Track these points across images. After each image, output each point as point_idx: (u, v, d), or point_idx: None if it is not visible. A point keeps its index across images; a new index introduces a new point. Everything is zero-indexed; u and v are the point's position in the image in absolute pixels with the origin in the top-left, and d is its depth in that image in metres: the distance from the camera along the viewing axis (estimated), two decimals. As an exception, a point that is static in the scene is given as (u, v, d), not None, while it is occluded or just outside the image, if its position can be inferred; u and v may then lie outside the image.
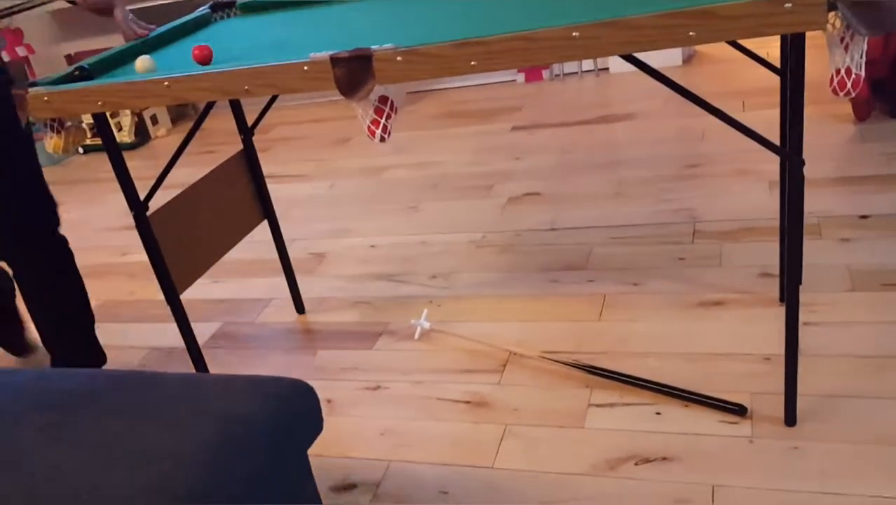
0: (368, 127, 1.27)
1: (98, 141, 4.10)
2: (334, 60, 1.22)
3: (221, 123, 4.08)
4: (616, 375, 1.71)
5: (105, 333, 2.38)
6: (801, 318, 1.78)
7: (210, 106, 1.66)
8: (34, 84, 1.42)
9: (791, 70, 1.20)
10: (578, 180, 2.69)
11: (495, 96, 3.73)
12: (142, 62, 1.42)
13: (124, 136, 4.05)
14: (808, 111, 2.79)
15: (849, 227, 2.07)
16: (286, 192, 3.15)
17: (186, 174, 2.01)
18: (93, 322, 1.97)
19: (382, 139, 1.29)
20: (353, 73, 1.22)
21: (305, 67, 1.24)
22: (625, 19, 1.07)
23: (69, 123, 1.44)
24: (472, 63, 1.16)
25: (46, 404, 1.09)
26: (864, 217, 2.10)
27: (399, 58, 1.19)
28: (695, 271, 2.05)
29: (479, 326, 2.02)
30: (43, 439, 1.01)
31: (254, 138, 3.86)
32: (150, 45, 1.72)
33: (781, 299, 1.86)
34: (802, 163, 1.26)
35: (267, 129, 3.97)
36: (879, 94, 2.63)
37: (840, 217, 2.13)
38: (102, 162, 4.02)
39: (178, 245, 1.74)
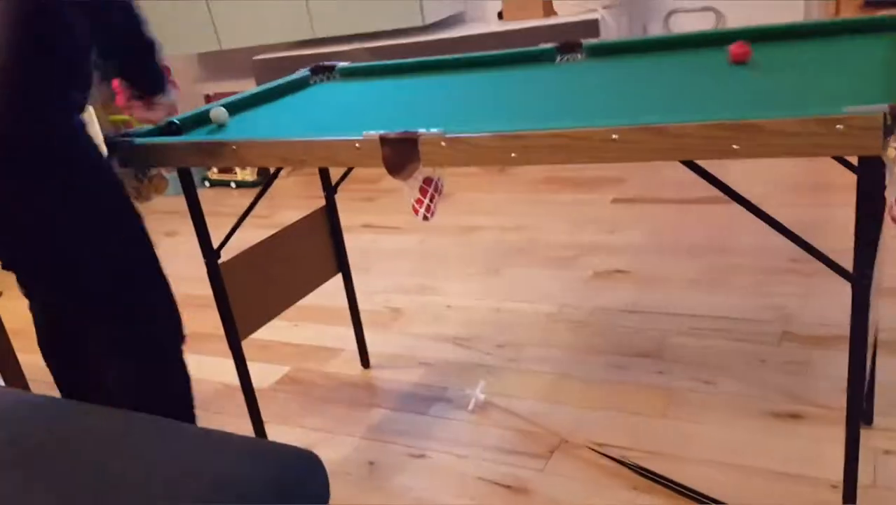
0: (413, 205, 1.29)
1: (222, 176, 4.38)
2: (383, 140, 1.25)
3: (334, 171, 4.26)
4: (666, 481, 1.61)
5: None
6: (882, 445, 1.62)
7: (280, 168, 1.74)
8: (126, 135, 1.54)
9: (861, 195, 1.10)
10: (670, 262, 2.59)
11: (600, 165, 3.67)
12: (215, 112, 1.58)
13: (247, 174, 4.31)
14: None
15: (958, 350, 1.87)
16: (379, 243, 3.23)
17: (295, 216, 2.12)
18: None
19: (426, 218, 1.30)
20: (399, 153, 1.24)
21: (357, 145, 1.28)
22: (667, 126, 1.03)
23: (151, 172, 1.55)
24: (513, 155, 1.16)
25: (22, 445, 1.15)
26: (978, 340, 1.89)
27: (443, 143, 1.21)
28: (776, 377, 1.91)
29: (535, 404, 1.97)
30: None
31: (361, 187, 3.99)
32: (244, 105, 1.83)
33: (867, 421, 1.70)
34: (868, 286, 1.15)
35: (376, 179, 4.10)
36: None
37: (950, 337, 1.92)
38: (225, 196, 4.28)
39: (246, 293, 1.82)
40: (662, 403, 1.89)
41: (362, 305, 2.69)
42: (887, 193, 0.98)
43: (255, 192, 4.27)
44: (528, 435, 1.85)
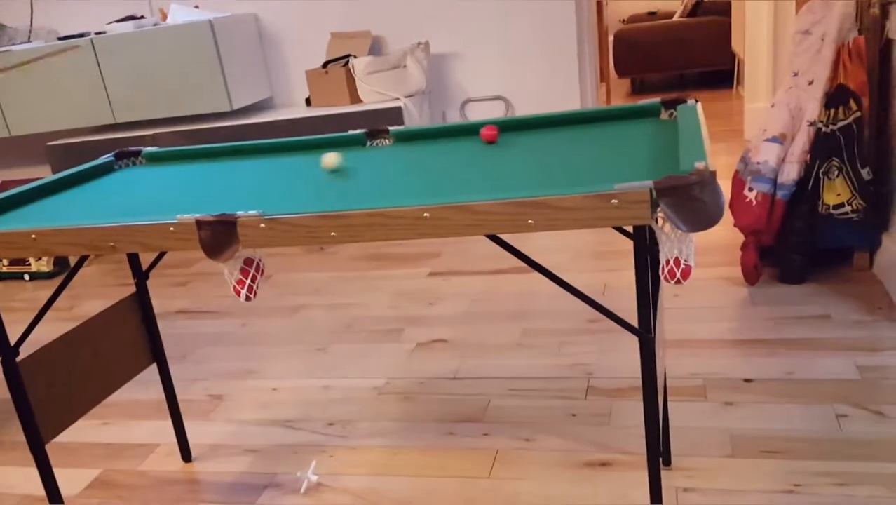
0: (234, 287, 1.30)
1: (14, 269, 4.03)
2: (199, 223, 1.25)
3: (144, 256, 4.07)
4: (495, 540, 1.68)
5: (-24, 476, 2.25)
6: (681, 483, 1.80)
7: (85, 257, 1.67)
8: None
9: (636, 254, 1.27)
10: (485, 329, 2.74)
11: (416, 242, 3.83)
12: (328, 158, 1.57)
13: (42, 265, 3.99)
14: (702, 273, 2.93)
15: (733, 391, 2.13)
16: (197, 328, 3.11)
17: (100, 306, 1.99)
18: None
19: (248, 298, 1.30)
20: (217, 236, 1.25)
21: (171, 228, 1.27)
22: (471, 204, 1.14)
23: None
24: (332, 234, 1.21)
25: None
26: (748, 381, 2.17)
27: (263, 224, 1.23)
28: (585, 429, 2.07)
29: (369, 480, 1.97)
30: None
31: (173, 272, 3.85)
32: (44, 192, 1.74)
33: (665, 462, 1.88)
34: (652, 339, 1.31)
35: (189, 263, 3.97)
36: (768, 260, 2.79)
37: (726, 379, 2.19)
38: (17, 290, 3.94)
39: (50, 392, 1.69)
40: (488, 464, 1.97)
41: (180, 394, 2.57)
42: (660, 256, 1.14)
43: (51, 283, 3.96)
44: (360, 512, 1.85)
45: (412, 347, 2.68)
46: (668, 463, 1.87)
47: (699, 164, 1.12)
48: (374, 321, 2.94)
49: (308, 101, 4.11)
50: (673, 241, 1.12)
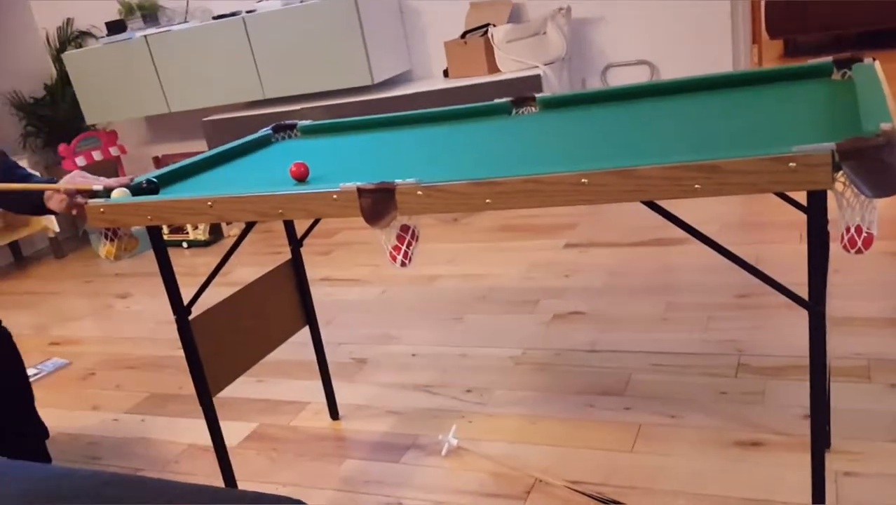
0: (390, 252, 1.33)
1: (174, 237, 4.34)
2: (360, 191, 1.29)
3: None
4: (640, 514, 1.65)
5: (149, 426, 2.46)
6: (842, 467, 1.69)
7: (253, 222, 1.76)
8: (95, 196, 1.55)
9: (810, 222, 1.19)
10: (625, 302, 2.68)
11: (552, 212, 3.79)
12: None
13: (199, 234, 4.28)
14: (867, 246, 2.72)
15: (901, 373, 1.98)
16: (340, 295, 3.24)
17: (251, 273, 2.12)
18: (32, 399, 2.18)
19: (403, 264, 1.34)
20: (377, 203, 1.29)
21: (335, 196, 1.32)
22: (633, 169, 1.11)
23: (122, 232, 1.56)
24: (487, 201, 1.21)
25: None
26: (919, 362, 2.01)
27: (420, 192, 1.26)
28: (736, 407, 1.99)
29: (508, 446, 1.99)
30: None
31: (317, 241, 4.01)
32: (211, 163, 1.85)
33: (826, 444, 1.78)
34: (823, 313, 1.23)
35: (331, 232, 4.13)
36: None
37: (892, 361, 2.03)
38: (176, 256, 4.24)
39: (217, 349, 1.81)
40: (631, 438, 1.94)
41: (327, 357, 2.69)
42: (840, 224, 1.06)
43: (206, 251, 4.24)
44: (502, 477, 1.87)
45: (548, 319, 2.67)
46: (828, 445, 1.77)
47: (885, 125, 1.03)
48: (509, 292, 2.94)
49: (446, 73, 4.14)
50: (855, 208, 1.04)
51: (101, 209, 1.51)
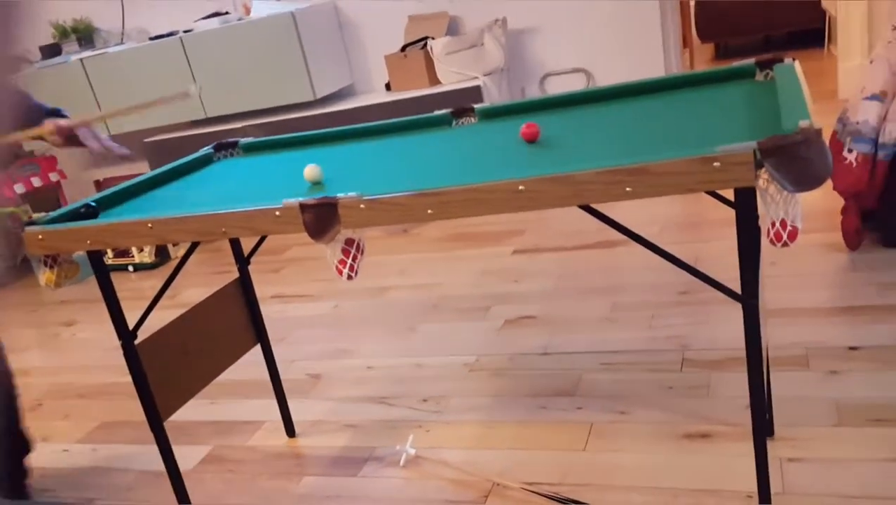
0: (336, 267, 1.34)
1: (119, 261, 4.26)
2: (303, 207, 1.30)
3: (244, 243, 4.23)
4: (596, 511, 1.69)
5: (101, 455, 2.41)
6: (786, 454, 1.76)
7: (197, 242, 1.75)
8: (31, 224, 1.52)
9: (738, 218, 1.24)
10: (573, 304, 2.73)
11: (500, 220, 3.83)
12: (310, 170, 1.53)
13: (145, 256, 4.20)
14: (800, 239, 2.82)
15: (838, 359, 2.06)
16: (292, 312, 3.22)
17: (201, 293, 2.10)
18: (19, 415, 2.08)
19: (350, 277, 1.35)
20: (320, 218, 1.30)
21: (277, 213, 1.32)
22: (567, 175, 1.14)
23: (61, 258, 1.53)
24: (429, 212, 1.24)
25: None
26: (853, 348, 2.10)
27: (362, 205, 1.27)
28: (682, 401, 2.04)
29: (465, 453, 2.01)
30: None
31: (268, 258, 3.98)
32: (151, 184, 1.84)
33: (769, 433, 1.84)
34: (757, 306, 1.29)
35: (282, 249, 4.10)
36: (870, 223, 2.67)
37: (829, 348, 2.12)
38: (123, 280, 4.16)
39: (166, 373, 1.79)
40: (584, 437, 1.98)
41: (281, 374, 2.67)
42: (765, 219, 1.12)
43: (153, 273, 4.17)
44: (461, 483, 1.89)
45: (500, 325, 2.70)
46: (771, 434, 1.83)
47: (803, 123, 1.09)
48: (461, 300, 2.97)
49: (388, 86, 4.16)
50: (779, 203, 1.10)
51: (40, 236, 1.48)
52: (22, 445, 2.14)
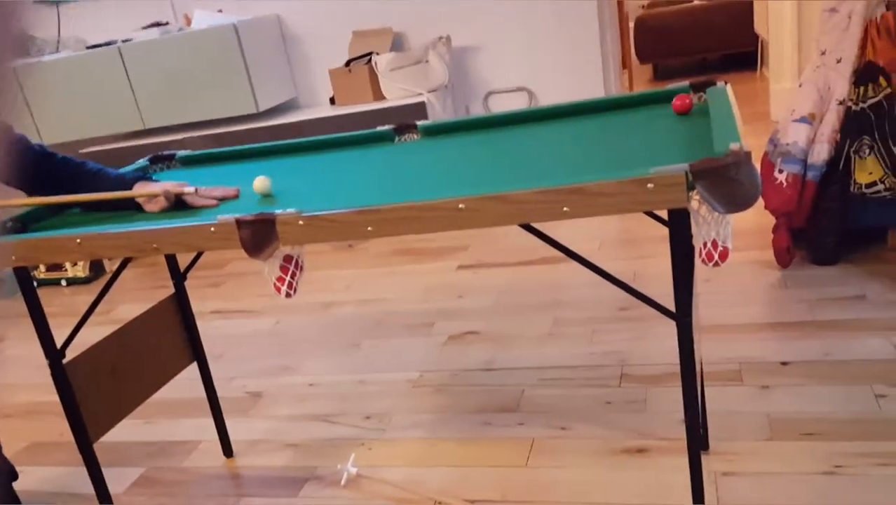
0: (274, 284, 1.32)
1: (51, 275, 4.12)
2: (239, 223, 1.28)
3: (180, 258, 4.13)
4: (536, 528, 1.69)
5: (29, 477, 2.31)
6: (721, 468, 1.79)
7: (128, 260, 1.70)
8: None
9: (672, 239, 1.27)
10: (516, 320, 2.75)
11: (445, 235, 3.84)
12: (260, 182, 1.50)
13: (78, 270, 4.07)
14: (734, 258, 2.90)
15: (770, 374, 2.12)
16: (232, 328, 3.16)
17: (136, 309, 2.03)
18: None
19: (288, 295, 1.33)
20: (257, 235, 1.28)
21: (213, 229, 1.29)
22: (506, 194, 1.15)
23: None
24: (369, 229, 1.23)
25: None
26: (784, 364, 2.16)
27: (301, 222, 1.26)
28: (620, 416, 2.07)
29: (408, 470, 2.00)
30: None
31: (207, 273, 3.90)
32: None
33: (704, 447, 1.88)
34: (690, 323, 1.31)
35: (222, 263, 4.03)
36: (800, 242, 2.76)
37: (761, 363, 2.18)
38: (55, 295, 4.02)
39: (96, 392, 1.73)
40: (525, 453, 1.98)
41: (219, 392, 2.61)
42: (697, 239, 1.14)
43: (87, 288, 4.04)
44: (403, 502, 1.87)
45: (444, 340, 2.70)
46: (706, 448, 1.87)
47: (734, 146, 1.12)
48: (405, 316, 2.96)
49: (332, 100, 4.14)
50: (710, 224, 1.12)
51: (-39, 252, 1.42)
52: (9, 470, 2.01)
